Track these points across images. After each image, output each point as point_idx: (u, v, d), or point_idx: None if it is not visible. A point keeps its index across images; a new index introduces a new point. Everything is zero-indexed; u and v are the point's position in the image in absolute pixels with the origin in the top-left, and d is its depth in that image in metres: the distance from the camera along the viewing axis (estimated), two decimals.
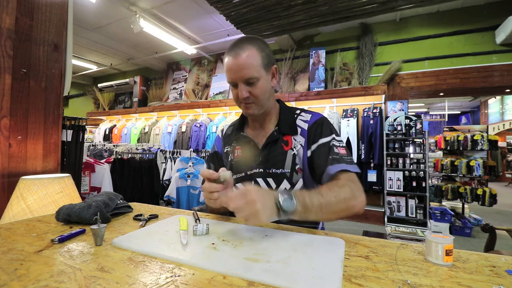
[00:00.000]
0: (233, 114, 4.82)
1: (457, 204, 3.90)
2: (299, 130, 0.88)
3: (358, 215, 3.92)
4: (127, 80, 6.30)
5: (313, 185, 0.86)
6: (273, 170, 0.85)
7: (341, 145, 0.82)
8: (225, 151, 0.99)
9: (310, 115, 0.90)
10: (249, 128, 0.97)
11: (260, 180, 0.87)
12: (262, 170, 0.87)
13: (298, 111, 0.93)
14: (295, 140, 0.86)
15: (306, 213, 0.64)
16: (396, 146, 3.44)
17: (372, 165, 3.63)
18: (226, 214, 0.92)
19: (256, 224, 0.64)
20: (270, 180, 0.86)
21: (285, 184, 0.84)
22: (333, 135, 0.84)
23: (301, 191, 0.67)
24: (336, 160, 0.77)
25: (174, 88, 5.95)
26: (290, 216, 0.63)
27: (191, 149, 3.10)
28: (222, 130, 1.05)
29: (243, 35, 4.01)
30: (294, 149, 0.85)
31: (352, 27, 4.19)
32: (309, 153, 0.85)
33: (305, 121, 0.89)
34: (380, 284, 0.44)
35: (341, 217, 0.70)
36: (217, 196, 0.72)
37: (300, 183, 0.85)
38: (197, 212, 0.84)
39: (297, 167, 0.84)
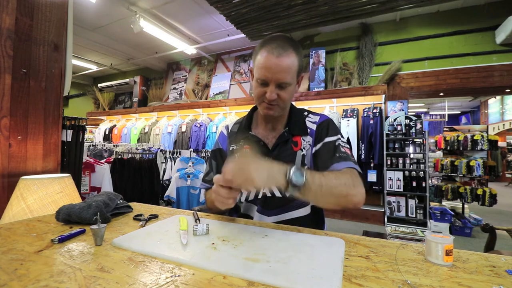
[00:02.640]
0: (233, 114, 4.82)
1: (457, 204, 3.90)
2: (308, 131, 0.89)
3: (358, 215, 3.88)
4: (127, 80, 6.30)
5: None
6: None
7: (346, 146, 0.84)
8: (230, 149, 0.96)
9: (318, 117, 0.92)
10: (257, 127, 0.95)
11: None
12: None
13: (306, 113, 0.94)
14: (304, 141, 0.87)
15: (306, 191, 0.63)
16: (396, 146, 3.44)
17: (372, 165, 3.63)
18: (227, 214, 0.92)
19: (251, 188, 0.60)
20: None
21: None
22: (339, 136, 0.85)
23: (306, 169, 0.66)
24: (343, 158, 0.78)
25: (174, 88, 5.95)
26: (296, 192, 0.62)
27: (191, 149, 3.09)
28: (227, 127, 1.03)
29: (243, 35, 4.01)
30: (304, 149, 0.86)
31: (352, 27, 4.18)
32: (313, 150, 0.86)
33: (313, 122, 0.90)
34: (380, 284, 0.44)
35: (340, 204, 0.68)
36: (232, 202, 0.69)
37: None
38: (197, 212, 0.84)
39: (305, 167, 0.84)
